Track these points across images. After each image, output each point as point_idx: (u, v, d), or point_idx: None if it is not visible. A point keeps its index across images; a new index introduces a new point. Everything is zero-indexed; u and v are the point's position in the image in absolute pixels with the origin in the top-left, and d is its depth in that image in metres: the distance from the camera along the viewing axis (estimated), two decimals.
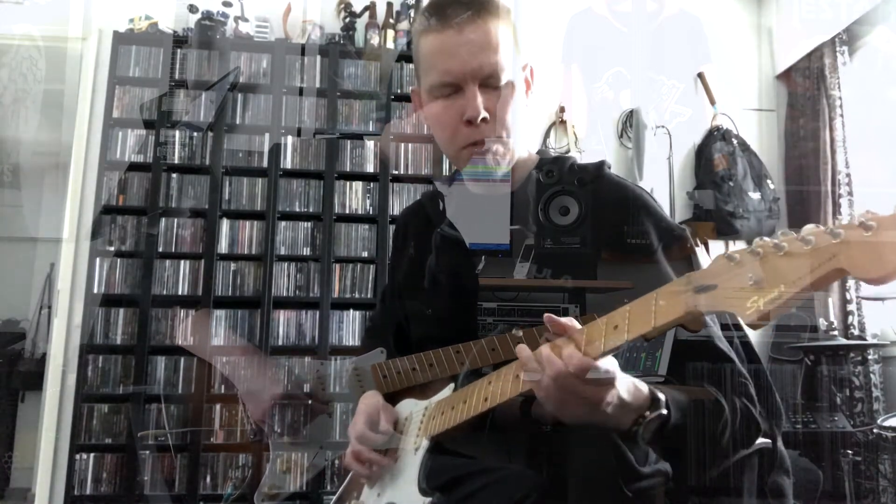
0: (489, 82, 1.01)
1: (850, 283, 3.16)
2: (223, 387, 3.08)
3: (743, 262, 0.59)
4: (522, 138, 1.11)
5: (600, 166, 1.08)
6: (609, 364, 0.74)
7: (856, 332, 3.12)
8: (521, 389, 0.79)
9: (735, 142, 3.62)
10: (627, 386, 0.76)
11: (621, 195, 1.04)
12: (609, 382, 0.74)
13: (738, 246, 3.60)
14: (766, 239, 0.58)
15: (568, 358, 0.72)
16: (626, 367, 0.89)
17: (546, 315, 0.78)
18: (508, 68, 1.02)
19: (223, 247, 3.22)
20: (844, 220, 0.54)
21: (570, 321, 0.76)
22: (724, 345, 0.93)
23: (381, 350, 1.14)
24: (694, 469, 0.84)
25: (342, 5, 3.53)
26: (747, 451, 0.89)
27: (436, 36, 1.01)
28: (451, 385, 0.95)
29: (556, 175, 1.03)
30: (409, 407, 1.02)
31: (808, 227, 0.55)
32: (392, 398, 1.07)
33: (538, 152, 1.16)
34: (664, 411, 0.78)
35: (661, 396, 0.79)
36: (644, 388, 0.79)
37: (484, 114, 1.00)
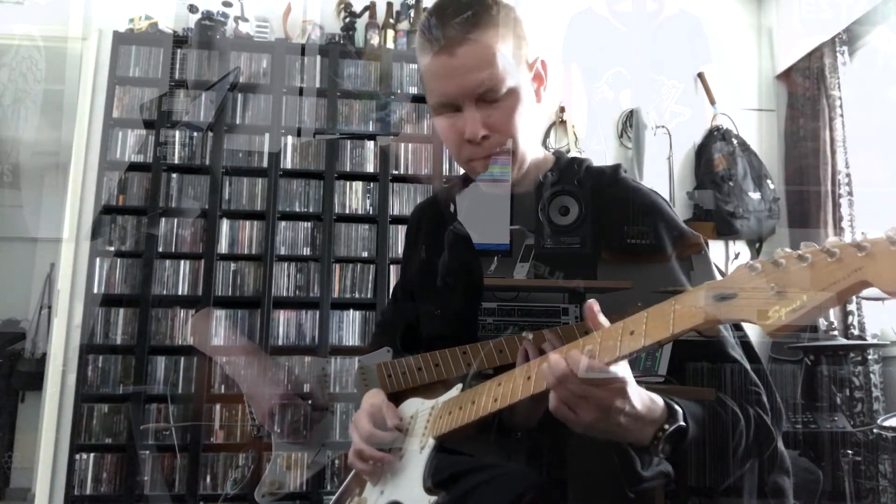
0: (487, 97, 0.99)
1: None
2: (223, 387, 3.08)
3: (765, 272, 0.59)
4: (535, 139, 1.10)
5: (616, 169, 1.09)
6: (622, 370, 0.73)
7: (856, 332, 3.12)
8: (533, 391, 0.78)
9: (735, 142, 3.62)
10: (642, 398, 0.76)
11: (637, 199, 1.04)
12: (620, 386, 0.73)
13: (737, 246, 3.61)
14: (788, 250, 0.58)
15: (574, 362, 0.71)
16: None
17: (588, 303, 0.76)
18: (511, 74, 1.00)
19: (223, 247, 3.22)
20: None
21: (604, 321, 0.75)
22: (737, 353, 0.92)
23: (387, 349, 1.14)
24: (709, 478, 0.84)
25: (342, 5, 3.53)
26: (760, 458, 0.89)
27: (431, 59, 1.01)
28: (459, 385, 0.95)
29: (556, 176, 1.03)
30: (415, 406, 1.02)
31: (832, 240, 0.55)
32: (397, 397, 1.07)
33: (554, 153, 1.16)
34: (682, 423, 0.78)
35: (678, 408, 0.79)
36: (659, 400, 0.78)
37: (483, 132, 1.00)
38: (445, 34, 0.98)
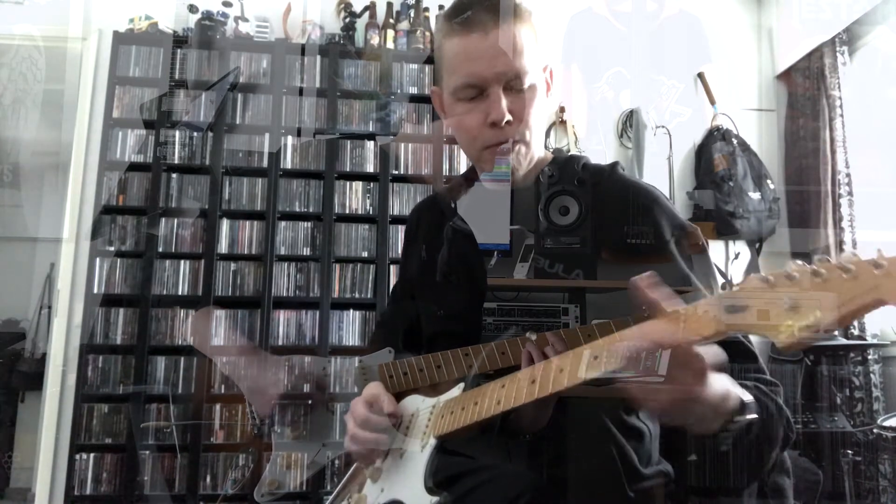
0: (513, 85, 1.01)
1: None
2: (223, 387, 3.08)
3: (777, 284, 0.58)
4: (541, 140, 1.12)
5: (613, 166, 1.09)
6: (715, 355, 0.71)
7: (856, 332, 3.12)
8: (538, 395, 0.77)
9: (735, 142, 3.62)
10: (722, 388, 0.74)
11: (634, 195, 1.04)
12: (700, 371, 0.69)
13: (737, 246, 3.61)
14: (800, 263, 0.57)
15: (673, 333, 0.67)
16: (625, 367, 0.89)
17: (640, 278, 0.69)
18: (532, 71, 1.03)
19: (223, 247, 3.22)
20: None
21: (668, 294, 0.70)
22: (752, 347, 0.92)
23: (388, 350, 1.13)
24: (745, 474, 0.82)
25: (342, 5, 3.53)
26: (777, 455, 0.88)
27: (460, 40, 1.02)
28: (461, 385, 0.95)
29: (556, 175, 1.03)
30: (416, 403, 1.02)
31: (848, 256, 0.54)
32: (397, 396, 1.07)
33: (553, 152, 1.16)
34: (755, 416, 0.76)
35: (750, 401, 0.77)
36: (736, 390, 0.76)
37: (508, 116, 1.01)
38: (477, 18, 1.00)
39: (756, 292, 0.60)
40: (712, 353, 0.70)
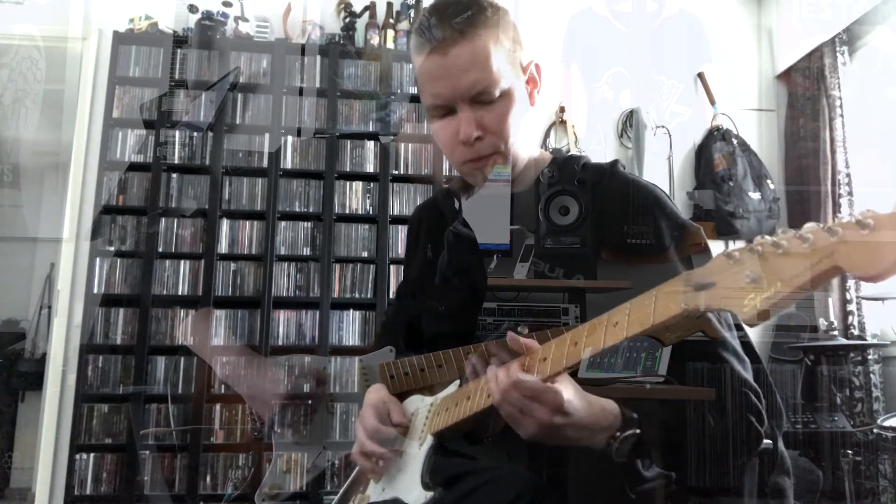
0: (481, 98, 0.99)
1: (851, 283, 3.16)
2: (223, 387, 3.08)
3: (742, 260, 0.59)
4: (528, 139, 1.10)
5: (613, 164, 1.09)
6: (566, 390, 0.76)
7: (856, 332, 3.12)
8: None
9: (735, 142, 3.62)
10: (592, 408, 0.78)
11: (635, 192, 1.04)
12: (557, 404, 0.75)
13: (738, 246, 3.61)
14: (766, 237, 0.58)
15: (505, 374, 0.76)
16: (626, 367, 0.89)
17: (509, 334, 0.80)
18: (506, 76, 1.00)
19: (223, 247, 3.22)
20: (845, 219, 0.53)
21: (531, 342, 0.79)
22: (728, 353, 0.92)
23: (389, 349, 1.13)
24: (686, 476, 0.85)
25: (342, 5, 3.53)
26: (746, 459, 0.89)
27: (423, 59, 1.01)
28: (457, 381, 0.95)
29: (556, 175, 1.03)
30: (416, 403, 1.02)
31: (808, 226, 0.55)
32: (399, 395, 1.07)
33: (552, 151, 1.16)
34: (637, 431, 0.79)
35: (635, 416, 0.80)
36: (613, 409, 0.80)
37: (476, 133, 1.00)
38: (440, 35, 0.98)
39: (722, 269, 0.61)
40: (572, 386, 0.78)
